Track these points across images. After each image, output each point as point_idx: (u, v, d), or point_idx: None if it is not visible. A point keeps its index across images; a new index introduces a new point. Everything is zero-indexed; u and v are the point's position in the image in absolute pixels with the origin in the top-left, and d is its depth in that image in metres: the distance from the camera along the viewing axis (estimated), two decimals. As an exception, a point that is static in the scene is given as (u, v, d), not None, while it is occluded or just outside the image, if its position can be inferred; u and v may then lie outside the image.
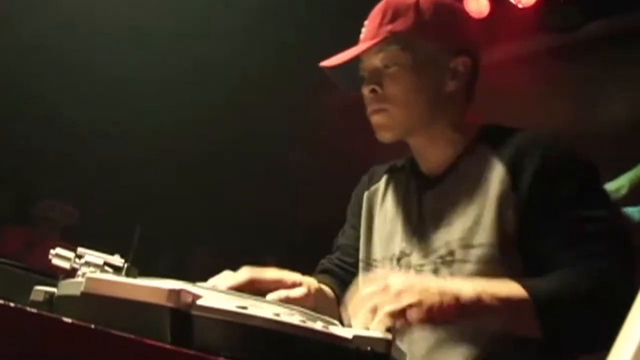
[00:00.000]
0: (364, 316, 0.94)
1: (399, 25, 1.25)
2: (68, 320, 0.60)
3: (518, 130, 1.26)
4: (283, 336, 0.70)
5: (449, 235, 1.21)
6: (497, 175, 1.19)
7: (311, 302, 1.16)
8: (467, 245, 1.18)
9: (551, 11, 3.79)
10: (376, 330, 0.90)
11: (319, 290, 1.27)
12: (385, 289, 0.96)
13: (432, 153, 1.31)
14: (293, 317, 0.74)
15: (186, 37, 3.99)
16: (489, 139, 1.27)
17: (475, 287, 1.02)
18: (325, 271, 1.43)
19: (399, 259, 1.29)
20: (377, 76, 1.27)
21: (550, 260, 1.13)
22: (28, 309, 0.59)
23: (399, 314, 0.94)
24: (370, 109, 1.28)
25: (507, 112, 3.89)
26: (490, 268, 1.15)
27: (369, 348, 0.74)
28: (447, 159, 1.29)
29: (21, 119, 4.22)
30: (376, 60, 1.27)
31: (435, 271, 1.22)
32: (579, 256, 1.10)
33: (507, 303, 1.03)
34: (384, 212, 1.36)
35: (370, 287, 0.98)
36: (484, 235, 1.16)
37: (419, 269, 1.24)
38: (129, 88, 4.23)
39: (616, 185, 3.13)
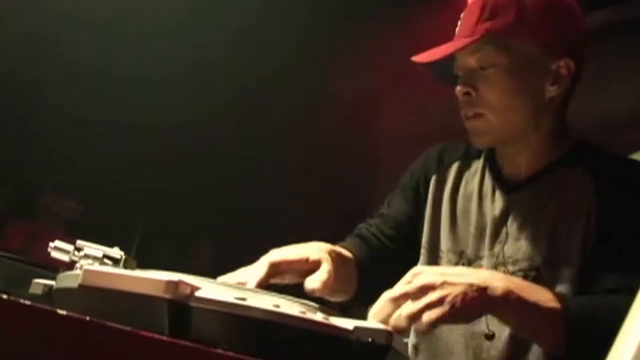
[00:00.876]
0: (382, 310, 0.91)
1: (499, 23, 1.14)
2: (63, 312, 0.59)
3: (610, 154, 1.22)
4: (283, 328, 0.69)
5: (533, 249, 1.16)
6: (588, 199, 1.14)
7: (329, 286, 1.11)
8: (553, 264, 1.14)
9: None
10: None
11: (338, 257, 1.21)
12: (406, 286, 0.93)
13: (521, 159, 1.23)
14: (293, 308, 0.73)
15: (188, 34, 3.99)
16: (582, 156, 1.21)
17: (506, 283, 0.97)
18: (360, 236, 1.35)
19: (470, 260, 1.23)
20: (471, 78, 1.17)
21: (605, 284, 1.09)
22: (22, 301, 0.59)
23: (418, 313, 0.90)
24: (463, 112, 1.20)
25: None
26: (571, 290, 1.11)
27: (370, 339, 0.73)
28: (535, 167, 1.22)
29: (24, 114, 4.22)
30: (471, 60, 1.18)
31: None
32: (628, 287, 1.03)
33: (535, 306, 0.97)
34: (454, 203, 1.29)
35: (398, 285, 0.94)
36: (572, 255, 1.13)
37: None
38: (131, 84, 4.23)
39: None
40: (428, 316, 0.90)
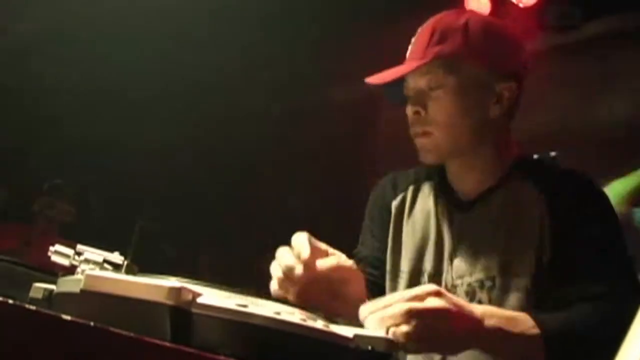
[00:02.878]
0: (389, 315, 0.90)
1: (447, 47, 1.22)
2: (67, 317, 0.59)
3: (554, 166, 1.32)
4: (283, 335, 0.70)
5: (488, 261, 1.22)
6: (538, 209, 1.21)
7: (361, 288, 1.13)
8: (508, 273, 1.19)
9: (552, 10, 3.79)
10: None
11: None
12: (395, 305, 0.92)
13: (470, 177, 1.30)
14: (294, 315, 0.73)
15: (186, 40, 4.00)
16: (528, 170, 1.28)
17: (485, 312, 1.01)
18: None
19: (431, 276, 1.27)
20: (421, 98, 1.25)
21: (569, 292, 1.14)
22: (27, 306, 0.59)
23: (405, 335, 0.89)
24: (413, 130, 1.27)
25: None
26: (529, 298, 1.17)
27: (369, 347, 0.74)
28: (483, 183, 1.29)
29: (19, 116, 4.22)
30: (421, 82, 1.25)
31: (471, 293, 1.22)
32: (595, 293, 1.11)
33: (516, 332, 1.02)
34: (412, 225, 1.34)
35: (384, 300, 0.95)
36: (526, 265, 1.18)
37: (452, 290, 1.23)
38: (129, 87, 4.23)
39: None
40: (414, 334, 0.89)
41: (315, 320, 0.75)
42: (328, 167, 4.28)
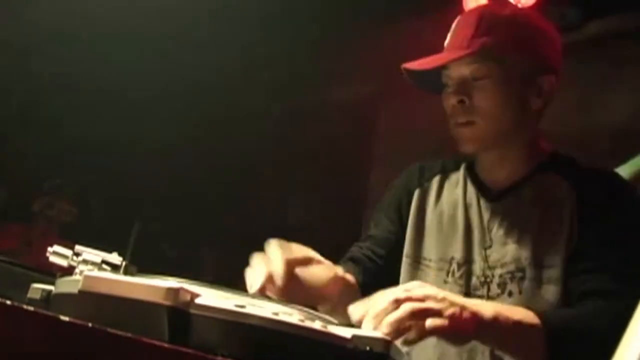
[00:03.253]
0: (380, 309, 0.94)
1: (494, 38, 1.24)
2: (65, 318, 0.59)
3: (585, 164, 1.32)
4: (281, 335, 0.70)
5: (519, 252, 1.23)
6: (569, 203, 1.23)
7: (339, 289, 1.17)
8: (538, 265, 1.21)
9: (551, 10, 3.79)
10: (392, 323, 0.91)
11: (344, 279, 1.25)
12: (409, 291, 0.97)
13: (503, 168, 1.32)
14: (292, 316, 0.73)
15: (186, 40, 4.00)
16: (559, 164, 1.31)
17: (494, 308, 1.04)
18: (353, 259, 1.38)
19: (460, 265, 1.29)
20: (465, 87, 1.26)
21: (581, 289, 1.17)
22: (25, 306, 0.59)
23: (419, 314, 0.93)
24: (455, 119, 1.28)
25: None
26: (558, 290, 1.19)
27: (367, 348, 0.74)
28: (514, 175, 1.31)
29: (19, 116, 4.22)
30: (466, 71, 1.26)
31: (502, 285, 1.24)
32: (610, 289, 1.14)
33: (520, 328, 1.05)
34: (439, 212, 1.35)
35: (394, 290, 0.98)
36: (557, 257, 1.20)
37: (482, 280, 1.26)
38: (129, 86, 4.23)
39: None
40: (432, 322, 0.93)
41: (313, 320, 0.75)
42: (328, 167, 4.28)
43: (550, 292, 1.19)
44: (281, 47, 4.17)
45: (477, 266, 1.27)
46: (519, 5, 3.86)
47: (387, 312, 0.94)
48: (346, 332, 0.75)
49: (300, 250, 1.14)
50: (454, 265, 1.29)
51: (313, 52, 4.17)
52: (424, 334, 0.95)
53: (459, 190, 1.35)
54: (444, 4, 4.03)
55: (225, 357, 0.66)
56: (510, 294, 1.22)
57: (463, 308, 0.99)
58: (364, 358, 0.73)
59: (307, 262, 1.12)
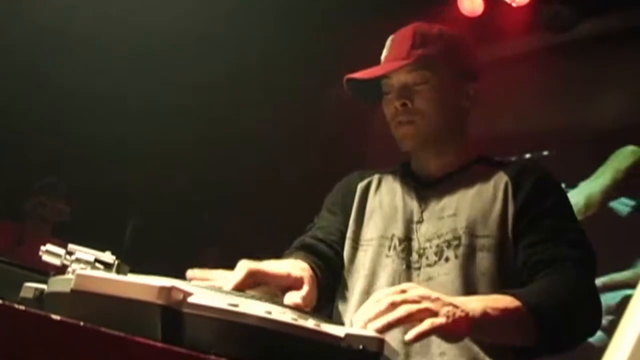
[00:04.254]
0: (377, 312, 0.97)
1: (429, 50, 1.44)
2: (57, 317, 0.59)
3: (508, 160, 1.50)
4: (275, 334, 0.70)
5: (455, 223, 1.38)
6: (502, 182, 1.40)
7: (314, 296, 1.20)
8: (473, 235, 1.35)
9: (545, 10, 3.80)
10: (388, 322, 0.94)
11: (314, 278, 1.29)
12: (404, 293, 1.01)
13: (437, 161, 1.49)
14: (285, 315, 0.73)
15: (185, 40, 3.99)
16: (486, 161, 1.49)
17: (481, 303, 1.10)
18: (306, 247, 1.43)
19: (400, 240, 1.41)
20: (407, 92, 1.44)
21: (532, 258, 1.30)
22: (16, 305, 0.58)
23: (417, 315, 0.98)
24: (398, 120, 1.45)
25: (500, 110, 3.90)
26: (494, 258, 1.32)
27: (361, 346, 0.74)
28: (448, 167, 1.48)
29: (12, 114, 4.20)
30: (407, 78, 1.44)
31: (439, 253, 1.36)
32: (556, 258, 1.27)
33: (507, 316, 1.12)
34: (379, 199, 1.51)
35: (390, 289, 1.03)
36: (490, 228, 1.35)
37: (421, 252, 1.38)
38: (126, 86, 4.22)
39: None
40: (431, 322, 0.97)
41: (306, 319, 0.75)
42: (325, 164, 4.27)
43: (485, 258, 1.32)
44: (277, 47, 4.16)
45: (416, 242, 1.40)
46: (514, 5, 3.88)
47: (384, 314, 0.96)
48: (339, 331, 0.75)
49: (273, 267, 1.16)
50: (395, 241, 1.42)
51: (308, 52, 4.17)
52: (422, 334, 0.97)
53: (397, 183, 1.52)
54: (438, 3, 4.04)
55: (218, 356, 0.66)
56: (447, 259, 1.35)
57: (456, 307, 1.03)
58: (357, 357, 0.73)
59: (279, 279, 1.15)
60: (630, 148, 3.62)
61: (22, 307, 0.58)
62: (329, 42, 4.05)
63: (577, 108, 3.75)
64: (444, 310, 1.00)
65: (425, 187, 1.48)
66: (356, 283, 1.42)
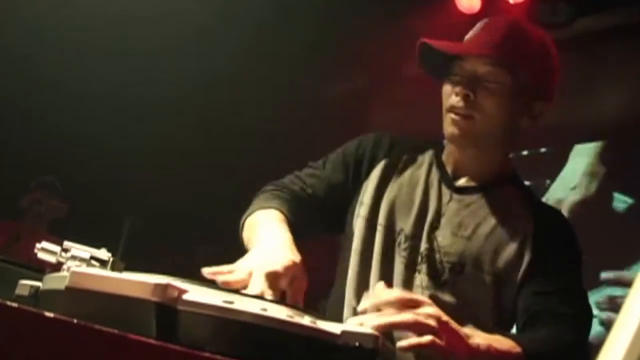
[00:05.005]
0: (384, 302, 0.97)
1: (519, 53, 1.31)
2: (50, 314, 0.58)
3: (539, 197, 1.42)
4: (270, 331, 0.70)
5: (465, 247, 1.30)
6: (524, 224, 1.31)
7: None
8: (478, 268, 1.29)
9: (542, 7, 3.80)
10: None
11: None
12: (417, 304, 1.00)
13: (473, 166, 1.38)
14: (280, 312, 0.73)
15: (183, 39, 3.98)
16: (521, 186, 1.41)
17: (485, 341, 1.09)
18: (295, 196, 1.38)
19: (406, 237, 1.34)
20: (474, 83, 1.31)
21: (535, 308, 1.26)
22: (9, 303, 0.58)
23: (418, 328, 0.97)
24: (456, 110, 1.32)
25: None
26: (491, 295, 1.28)
27: (357, 344, 0.73)
28: (480, 177, 1.37)
29: (8, 113, 4.19)
30: (480, 68, 1.31)
31: (441, 271, 1.31)
32: (559, 314, 1.23)
33: (503, 350, 1.11)
34: (399, 184, 1.39)
35: (407, 294, 1.05)
36: (498, 267, 1.29)
37: (425, 258, 1.31)
38: (123, 83, 4.21)
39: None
40: (430, 340, 0.96)
41: (302, 316, 0.75)
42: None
43: (481, 294, 1.28)
44: (276, 45, 4.15)
45: (423, 245, 1.32)
46: (511, 2, 3.87)
47: (390, 307, 0.97)
48: (335, 328, 0.74)
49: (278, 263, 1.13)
50: (402, 237, 1.34)
51: (307, 50, 4.16)
52: (417, 346, 0.97)
53: (422, 172, 1.40)
54: (436, 3, 4.03)
55: (213, 354, 0.66)
56: (445, 282, 1.29)
57: (460, 337, 1.03)
58: (353, 354, 0.73)
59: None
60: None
61: (15, 305, 0.58)
62: (328, 42, 4.04)
63: (574, 104, 3.75)
64: (447, 334, 1.00)
65: (451, 189, 1.37)
66: (367, 266, 1.35)
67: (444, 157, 1.41)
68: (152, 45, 3.97)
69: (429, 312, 0.99)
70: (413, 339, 0.96)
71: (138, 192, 4.60)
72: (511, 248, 1.29)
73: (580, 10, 3.74)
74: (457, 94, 1.31)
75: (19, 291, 0.83)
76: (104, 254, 0.89)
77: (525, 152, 3.75)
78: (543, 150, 3.84)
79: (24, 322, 0.58)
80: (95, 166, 4.48)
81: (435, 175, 1.39)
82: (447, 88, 1.34)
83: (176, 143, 4.61)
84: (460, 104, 1.31)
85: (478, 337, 1.08)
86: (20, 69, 4.07)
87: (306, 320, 0.73)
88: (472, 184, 1.37)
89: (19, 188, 3.93)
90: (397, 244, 1.34)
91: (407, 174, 1.40)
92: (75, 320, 0.58)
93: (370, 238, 1.37)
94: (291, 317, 0.72)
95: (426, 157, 1.42)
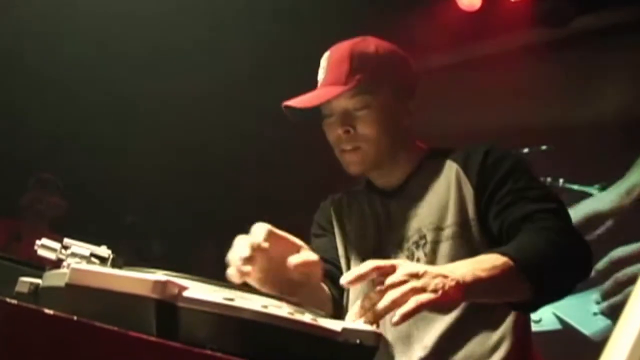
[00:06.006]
0: (365, 299, 0.98)
1: (368, 73, 1.40)
2: (50, 311, 0.58)
3: (458, 147, 1.48)
4: (271, 328, 0.69)
5: (418, 223, 1.41)
6: (452, 171, 1.41)
7: (319, 276, 1.25)
8: (437, 228, 1.38)
9: (542, 5, 3.79)
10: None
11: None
12: (391, 270, 1.01)
13: (392, 174, 1.48)
14: (281, 309, 0.73)
15: (183, 39, 3.98)
16: (437, 154, 1.48)
17: (468, 267, 1.10)
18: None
19: (376, 250, 1.43)
20: (348, 118, 1.41)
21: (505, 224, 1.30)
22: (9, 300, 0.58)
23: (405, 297, 0.97)
24: (342, 147, 1.43)
25: (498, 105, 3.89)
26: (458, 244, 1.34)
27: (357, 341, 0.73)
28: (405, 174, 1.48)
29: (7, 109, 4.18)
30: (347, 103, 1.40)
31: (411, 256, 1.39)
32: (526, 215, 1.27)
33: (497, 274, 1.12)
34: (352, 218, 1.53)
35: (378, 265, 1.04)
36: (451, 217, 1.37)
37: (394, 258, 1.38)
38: (122, 81, 4.20)
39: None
40: (415, 301, 0.96)
41: (303, 313, 0.74)
42: (321, 161, 4.27)
43: (450, 246, 1.35)
44: (275, 46, 4.15)
45: (388, 250, 1.43)
46: (512, 0, 3.87)
47: (373, 302, 0.97)
48: (336, 325, 0.74)
49: (284, 234, 1.21)
50: (370, 252, 1.42)
51: (307, 49, 4.16)
52: (408, 314, 0.97)
53: (365, 200, 1.53)
54: (437, 1, 4.03)
55: (213, 351, 0.66)
56: (418, 260, 1.38)
57: (445, 277, 1.03)
58: (354, 351, 0.73)
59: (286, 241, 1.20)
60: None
61: (14, 302, 0.58)
62: (328, 41, 4.04)
63: (575, 102, 3.75)
64: (433, 283, 1.00)
65: (389, 197, 1.48)
66: (350, 303, 1.45)
67: (373, 180, 1.52)
68: (152, 43, 3.97)
69: (401, 276, 0.99)
70: (398, 312, 0.96)
71: (138, 189, 4.60)
72: (451, 195, 1.38)
73: (580, 7, 3.74)
74: (338, 134, 1.41)
75: (18, 288, 0.83)
76: (104, 251, 0.89)
77: (525, 150, 3.75)
78: (544, 148, 3.84)
79: (24, 319, 0.58)
80: (94, 164, 4.48)
81: (374, 197, 1.51)
82: (328, 130, 1.45)
83: (177, 140, 4.61)
84: (343, 140, 1.41)
85: (461, 267, 1.10)
86: (19, 66, 4.07)
87: (307, 317, 0.73)
88: (400, 181, 1.47)
89: (17, 186, 3.92)
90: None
91: (355, 207, 1.53)
92: (75, 318, 0.58)
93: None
94: (292, 314, 0.72)
95: (362, 188, 1.55)
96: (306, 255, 1.18)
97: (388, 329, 1.36)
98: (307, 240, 1.47)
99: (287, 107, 1.43)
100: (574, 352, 3.25)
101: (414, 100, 1.47)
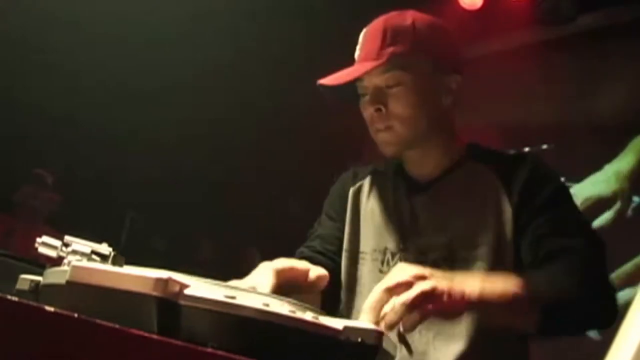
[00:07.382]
0: (379, 301, 0.97)
1: (400, 47, 1.32)
2: (51, 309, 0.58)
3: (500, 151, 1.43)
4: (272, 327, 0.69)
5: (449, 235, 1.32)
6: (492, 184, 1.33)
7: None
8: (466, 247, 1.30)
9: (545, 3, 3.79)
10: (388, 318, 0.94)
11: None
12: (398, 275, 1.00)
13: (426, 162, 1.41)
14: (283, 307, 0.73)
15: (181, 36, 3.97)
16: (477, 155, 1.41)
17: (479, 282, 1.08)
18: (306, 259, 1.42)
19: (393, 254, 1.37)
20: (380, 96, 1.34)
21: (538, 253, 1.25)
22: (9, 297, 0.58)
23: (412, 305, 0.96)
24: (375, 127, 1.36)
25: (501, 104, 3.89)
26: (491, 265, 1.27)
27: (359, 339, 0.73)
28: (439, 167, 1.41)
29: (4, 104, 4.18)
30: (379, 80, 1.34)
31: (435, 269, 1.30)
32: (560, 249, 1.22)
33: (505, 298, 1.09)
34: (371, 208, 1.45)
35: (385, 281, 1.01)
36: (486, 236, 1.29)
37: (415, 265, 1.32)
38: (120, 76, 4.20)
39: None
40: (425, 310, 0.96)
41: (304, 312, 0.74)
42: (322, 160, 4.26)
43: (478, 269, 1.28)
44: (275, 45, 4.15)
45: (411, 254, 1.35)
46: (513, -3, 3.86)
47: (381, 303, 0.97)
48: (338, 324, 0.74)
49: (295, 263, 1.22)
50: (388, 255, 1.37)
51: (305, 50, 4.16)
52: (418, 322, 0.97)
53: (389, 186, 1.44)
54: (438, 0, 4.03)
55: (215, 349, 0.65)
56: None
57: (451, 287, 1.02)
58: (355, 349, 0.73)
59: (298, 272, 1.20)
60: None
61: (15, 299, 0.57)
62: (328, 39, 4.04)
63: (576, 101, 3.74)
64: (439, 291, 0.99)
65: (417, 191, 1.41)
66: (353, 300, 1.41)
67: (404, 165, 1.46)
68: (153, 36, 3.96)
69: (408, 277, 0.99)
70: (407, 320, 0.96)
71: (139, 186, 4.60)
72: (488, 212, 1.31)
73: (583, 6, 3.73)
74: (370, 112, 1.36)
75: (19, 286, 0.83)
76: (105, 248, 0.89)
77: (527, 149, 3.75)
78: (544, 147, 3.84)
79: (24, 316, 0.58)
80: (95, 160, 4.47)
81: (400, 185, 1.43)
82: (363, 109, 1.39)
83: (178, 135, 4.60)
84: (376, 119, 1.35)
85: (471, 281, 1.07)
86: (17, 59, 4.06)
87: (308, 315, 0.73)
88: (434, 177, 1.41)
89: (11, 181, 3.91)
90: (384, 262, 1.37)
91: (376, 193, 1.46)
92: (76, 315, 0.58)
93: (352, 269, 1.42)
94: (293, 312, 0.72)
95: (390, 172, 1.47)
96: (317, 272, 1.20)
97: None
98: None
99: (322, 85, 1.37)
100: (575, 352, 3.26)
101: (457, 77, 1.38)
